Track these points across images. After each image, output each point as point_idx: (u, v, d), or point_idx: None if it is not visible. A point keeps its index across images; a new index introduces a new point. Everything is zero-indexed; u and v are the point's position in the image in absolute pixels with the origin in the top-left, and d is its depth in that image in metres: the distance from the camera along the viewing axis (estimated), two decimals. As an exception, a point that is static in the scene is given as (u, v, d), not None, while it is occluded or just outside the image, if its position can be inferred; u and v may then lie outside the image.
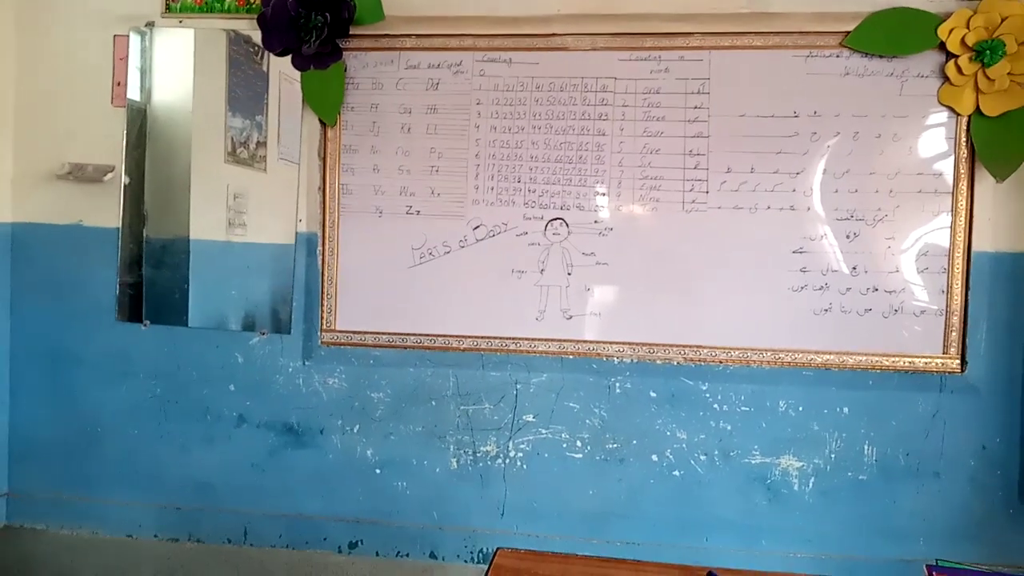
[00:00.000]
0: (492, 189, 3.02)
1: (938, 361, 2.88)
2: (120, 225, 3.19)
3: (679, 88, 2.94)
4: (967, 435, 2.91)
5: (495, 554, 1.59)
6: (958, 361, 2.88)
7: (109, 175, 3.20)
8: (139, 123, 3.20)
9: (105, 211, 3.21)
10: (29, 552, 3.13)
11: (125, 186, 3.19)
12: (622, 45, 2.96)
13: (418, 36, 3.04)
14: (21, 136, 3.28)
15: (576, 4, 2.96)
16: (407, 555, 3.16)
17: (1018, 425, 2.89)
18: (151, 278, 3.23)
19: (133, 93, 3.18)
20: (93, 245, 3.23)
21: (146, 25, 3.17)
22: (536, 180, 3.01)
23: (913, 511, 2.93)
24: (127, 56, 3.17)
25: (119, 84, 3.19)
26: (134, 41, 3.17)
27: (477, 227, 3.04)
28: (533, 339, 3.00)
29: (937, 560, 1.55)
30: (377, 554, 3.17)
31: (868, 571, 2.94)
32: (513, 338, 3.04)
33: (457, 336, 3.08)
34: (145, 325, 3.23)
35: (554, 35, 2.98)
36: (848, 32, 2.83)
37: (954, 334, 2.87)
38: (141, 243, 3.21)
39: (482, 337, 3.07)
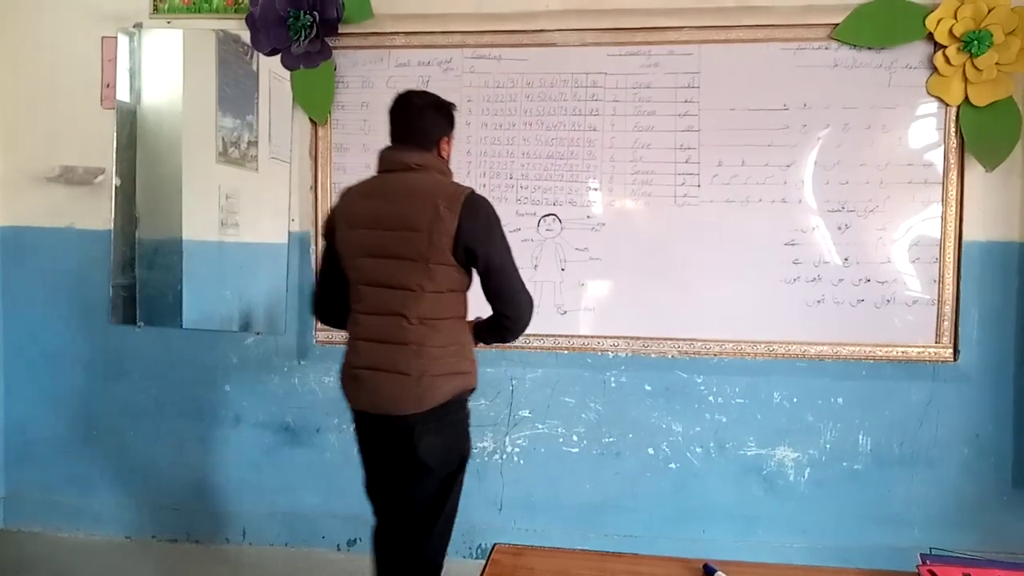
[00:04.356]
0: (484, 186, 3.02)
1: (931, 350, 2.90)
2: (112, 227, 3.19)
3: (669, 82, 2.94)
4: (960, 423, 2.93)
5: (492, 550, 1.60)
6: (950, 350, 2.90)
7: (100, 177, 3.19)
8: (129, 124, 3.19)
9: (97, 213, 3.20)
10: (26, 555, 3.12)
11: (116, 188, 3.18)
12: (611, 40, 2.96)
13: (407, 34, 3.03)
14: (10, 139, 3.27)
15: (564, 0, 2.96)
16: (405, 552, 3.16)
17: (1010, 412, 2.91)
18: (144, 279, 3.22)
19: (123, 95, 3.17)
20: (85, 247, 3.22)
21: (134, 26, 3.16)
22: (528, 176, 3.01)
23: (907, 499, 2.95)
24: (115, 58, 3.15)
25: (108, 86, 3.18)
26: (122, 42, 3.16)
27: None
28: (527, 335, 2.97)
29: (931, 548, 1.56)
30: (375, 551, 3.18)
31: (863, 559, 2.94)
32: (508, 334, 3.04)
33: (452, 333, 3.08)
34: (139, 327, 3.22)
35: (543, 31, 2.98)
36: (836, 24, 2.84)
37: (946, 323, 2.89)
38: (133, 245, 3.21)
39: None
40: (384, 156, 2.05)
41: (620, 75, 2.96)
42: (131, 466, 3.28)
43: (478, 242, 1.93)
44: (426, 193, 1.93)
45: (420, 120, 2.02)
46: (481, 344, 2.15)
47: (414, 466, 1.96)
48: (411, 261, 1.92)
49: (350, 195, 2.06)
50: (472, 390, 2.05)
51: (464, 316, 2.05)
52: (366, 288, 2.00)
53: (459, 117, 2.93)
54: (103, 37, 3.17)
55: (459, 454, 2.04)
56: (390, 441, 1.98)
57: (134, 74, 3.19)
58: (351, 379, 2.03)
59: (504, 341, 2.11)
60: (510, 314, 2.02)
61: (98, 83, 3.19)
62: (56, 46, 3.22)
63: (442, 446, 1.98)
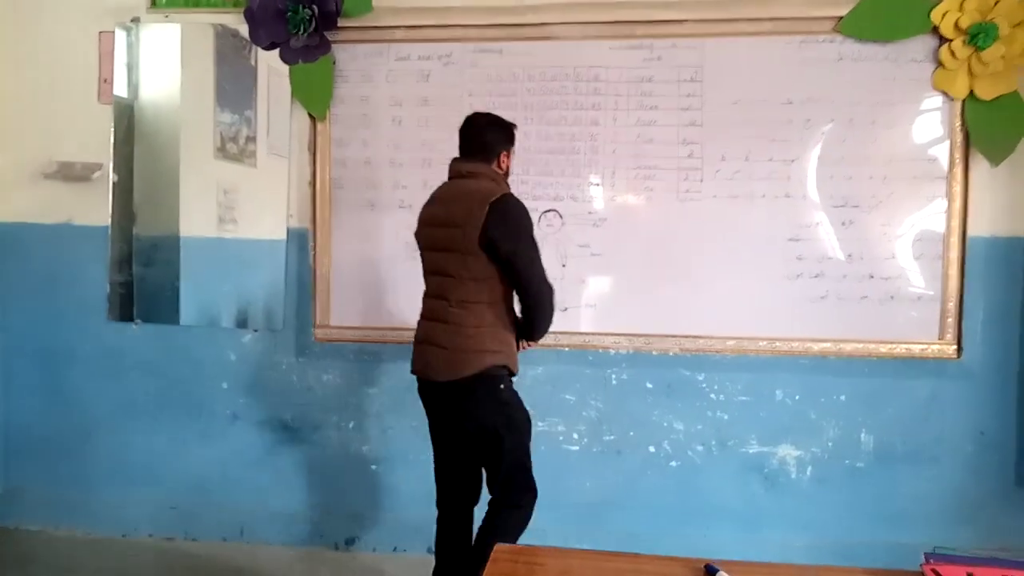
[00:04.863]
0: (485, 181, 2.99)
1: (934, 347, 2.88)
2: (109, 223, 3.16)
3: (672, 76, 2.92)
4: (964, 420, 2.91)
5: (492, 549, 1.58)
6: (954, 347, 2.87)
7: (97, 173, 3.17)
8: (127, 120, 3.16)
9: (94, 209, 3.18)
10: (23, 553, 3.11)
11: (114, 184, 3.15)
12: (614, 34, 2.93)
13: (407, 27, 3.01)
14: (7, 135, 3.25)
15: (566, -8, 2.94)
16: (405, 550, 3.14)
17: (1014, 410, 2.89)
18: (142, 276, 3.20)
19: (120, 90, 3.14)
20: (82, 244, 3.20)
21: (132, 21, 3.13)
22: (529, 171, 2.98)
23: (911, 496, 2.93)
24: (113, 52, 3.13)
25: (105, 81, 3.15)
26: (120, 37, 3.13)
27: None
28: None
29: (935, 547, 1.55)
30: (374, 550, 3.16)
31: (866, 557, 2.92)
32: (508, 331, 3.03)
33: (452, 330, 3.06)
34: (137, 324, 3.20)
35: (545, 24, 2.95)
36: (841, 17, 2.81)
37: (950, 320, 2.87)
38: (131, 241, 3.19)
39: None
40: (450, 166, 2.40)
41: (622, 69, 2.94)
42: (128, 463, 3.26)
43: (500, 234, 2.21)
44: (471, 195, 2.26)
45: (481, 136, 2.36)
46: (525, 344, 2.44)
47: (454, 425, 2.39)
48: (452, 252, 2.27)
49: (428, 200, 2.43)
50: (505, 368, 2.32)
51: (498, 302, 2.31)
52: (427, 276, 2.42)
53: (459, 112, 2.94)
54: (100, 32, 3.15)
55: (497, 421, 2.32)
56: (436, 402, 2.40)
57: (132, 69, 3.16)
58: (414, 349, 2.42)
59: (533, 333, 2.38)
60: (529, 302, 2.30)
61: (95, 78, 3.16)
62: (53, 41, 3.20)
63: (475, 412, 2.33)
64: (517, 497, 2.41)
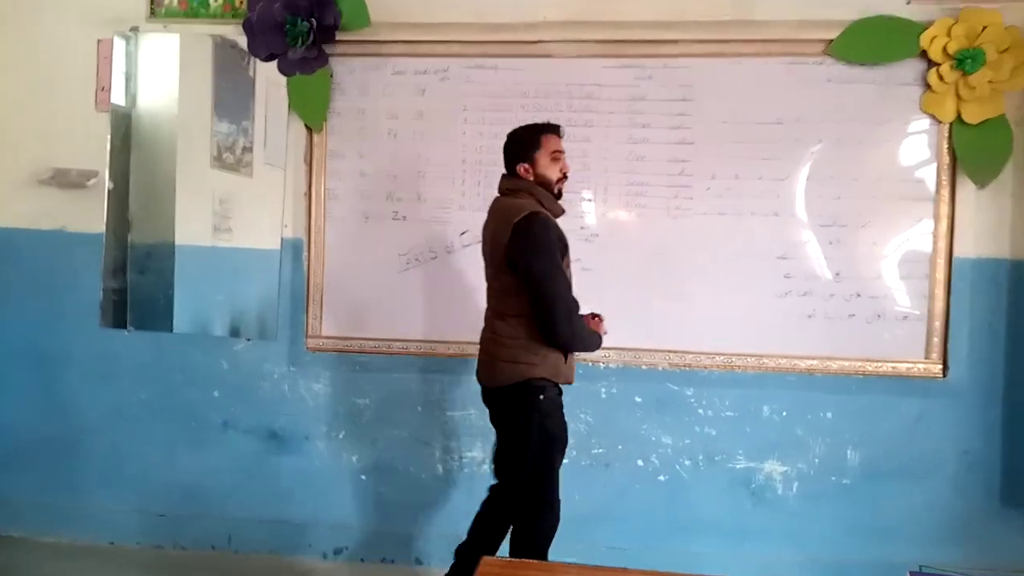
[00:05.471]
0: (479, 195, 3.02)
1: (920, 366, 2.91)
2: (104, 231, 3.17)
3: (663, 95, 2.95)
4: (949, 439, 2.93)
5: (479, 563, 1.59)
6: (940, 366, 2.90)
7: (93, 180, 3.18)
8: (124, 128, 3.18)
9: (89, 216, 3.18)
10: (9, 561, 3.09)
11: (109, 191, 3.16)
12: (607, 52, 2.97)
13: (404, 42, 3.04)
14: (2, 141, 3.26)
15: (561, 12, 2.97)
16: (393, 560, 3.15)
17: (999, 429, 2.92)
18: (136, 283, 3.21)
19: (118, 98, 3.16)
20: (77, 251, 3.21)
21: (131, 30, 3.16)
22: (522, 186, 3.00)
23: (896, 514, 2.95)
24: (111, 60, 3.15)
25: (103, 89, 3.17)
26: (118, 46, 3.15)
27: (464, 232, 3.04)
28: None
29: (920, 566, 1.56)
30: (362, 560, 3.16)
31: (852, 574, 2.95)
32: (499, 343, 3.04)
33: (444, 342, 3.08)
34: (129, 331, 3.21)
35: (540, 42, 2.99)
36: (831, 40, 2.85)
37: (936, 339, 2.90)
38: (126, 248, 3.19)
39: (468, 343, 3.04)
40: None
41: (615, 87, 2.97)
42: (118, 471, 3.26)
43: (519, 253, 2.31)
44: (503, 212, 2.39)
45: (505, 153, 2.48)
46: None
47: (496, 426, 2.52)
48: (491, 267, 2.45)
49: None
50: (546, 380, 2.37)
51: (531, 316, 2.36)
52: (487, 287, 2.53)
53: (454, 126, 2.96)
54: (99, 40, 3.17)
55: (527, 432, 2.37)
56: (486, 403, 2.55)
57: (130, 78, 3.18)
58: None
59: (555, 346, 2.37)
60: (543, 319, 2.33)
61: (93, 86, 3.18)
62: (51, 48, 3.21)
63: (508, 419, 2.44)
64: (529, 511, 2.44)
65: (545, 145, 2.41)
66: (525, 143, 2.43)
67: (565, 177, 2.46)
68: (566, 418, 2.45)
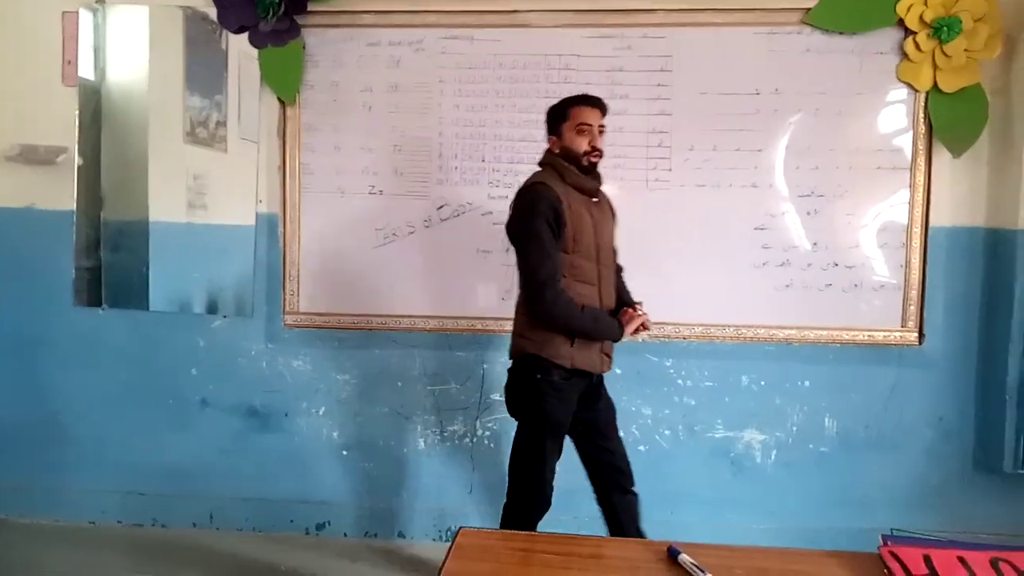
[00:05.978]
0: (456, 168, 2.99)
1: (896, 334, 2.94)
2: (75, 208, 3.12)
3: (642, 66, 2.93)
4: (924, 407, 2.98)
5: (457, 533, 1.59)
6: (916, 334, 2.93)
7: (62, 156, 3.12)
8: (93, 103, 3.12)
9: (59, 193, 3.12)
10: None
11: (79, 167, 3.11)
12: (585, 22, 2.93)
13: (377, 12, 2.98)
14: (-32, 117, 3.18)
15: (538, -20, 2.93)
16: (375, 535, 3.16)
17: (973, 396, 2.96)
18: (109, 261, 3.16)
19: (86, 72, 3.09)
20: (47, 228, 3.15)
21: (97, 2, 3.08)
22: (500, 159, 2.99)
23: (872, 481, 3.00)
24: (77, 33, 3.07)
25: (69, 63, 3.10)
26: (85, 18, 3.08)
27: (441, 207, 3.02)
28: (499, 318, 2.98)
29: (892, 529, 1.58)
30: (345, 535, 3.17)
31: (828, 540, 2.94)
32: (479, 317, 3.04)
33: (423, 316, 3.06)
34: (103, 309, 3.16)
35: (516, 12, 2.95)
36: (809, 9, 2.84)
37: (912, 308, 2.93)
38: (98, 226, 3.14)
39: (448, 317, 3.06)
40: None
41: (593, 58, 2.94)
42: (95, 450, 3.23)
43: (509, 225, 2.35)
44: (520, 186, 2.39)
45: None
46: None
47: None
48: None
49: None
50: (545, 360, 2.30)
51: None
52: None
53: (430, 98, 2.92)
54: (64, 12, 3.09)
55: (519, 408, 2.40)
56: None
57: (98, 51, 3.11)
58: None
59: (541, 325, 2.31)
60: (521, 292, 2.34)
61: (59, 60, 3.11)
62: (15, 21, 3.13)
63: (510, 393, 2.43)
64: (512, 490, 2.45)
65: (573, 117, 2.33)
66: (556, 115, 2.38)
67: (595, 151, 2.35)
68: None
